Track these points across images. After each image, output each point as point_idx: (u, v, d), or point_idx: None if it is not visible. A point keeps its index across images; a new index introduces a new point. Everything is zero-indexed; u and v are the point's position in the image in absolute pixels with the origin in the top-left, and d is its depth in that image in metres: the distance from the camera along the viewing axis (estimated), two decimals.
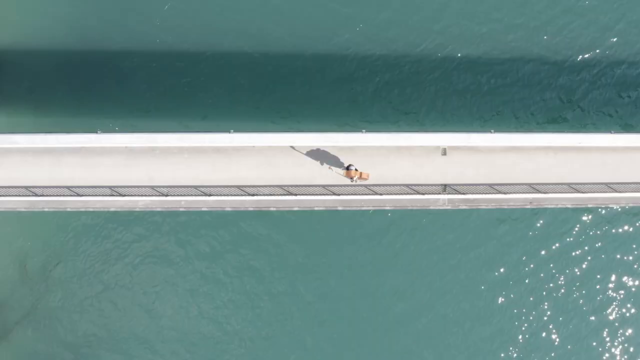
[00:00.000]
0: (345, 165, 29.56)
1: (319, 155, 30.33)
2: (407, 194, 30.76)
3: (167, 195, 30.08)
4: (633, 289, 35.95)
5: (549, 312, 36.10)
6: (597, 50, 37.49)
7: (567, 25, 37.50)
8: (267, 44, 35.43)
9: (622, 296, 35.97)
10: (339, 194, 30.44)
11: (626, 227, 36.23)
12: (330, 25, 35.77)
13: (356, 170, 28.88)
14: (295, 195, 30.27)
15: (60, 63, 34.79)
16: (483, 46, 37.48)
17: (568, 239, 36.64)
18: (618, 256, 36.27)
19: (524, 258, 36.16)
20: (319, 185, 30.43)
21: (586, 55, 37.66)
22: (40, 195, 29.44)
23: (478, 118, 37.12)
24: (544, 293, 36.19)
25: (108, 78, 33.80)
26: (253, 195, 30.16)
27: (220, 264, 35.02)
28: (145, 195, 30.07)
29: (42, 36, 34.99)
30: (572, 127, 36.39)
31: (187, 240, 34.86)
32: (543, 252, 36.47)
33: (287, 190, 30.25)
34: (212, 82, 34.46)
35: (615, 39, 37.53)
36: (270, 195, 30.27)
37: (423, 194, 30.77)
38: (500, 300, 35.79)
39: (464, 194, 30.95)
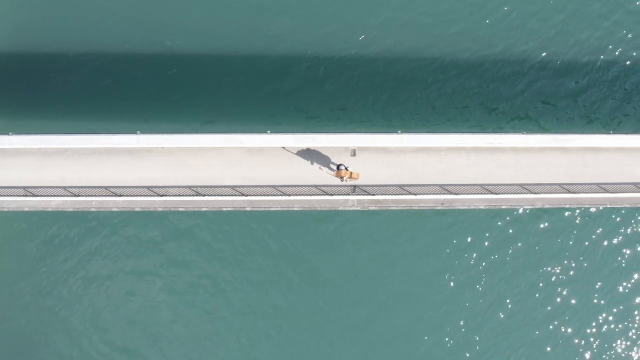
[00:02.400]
0: (336, 165, 29.74)
1: (228, 155, 30.64)
2: (316, 195, 30.91)
3: (78, 196, 30.71)
4: (549, 288, 35.77)
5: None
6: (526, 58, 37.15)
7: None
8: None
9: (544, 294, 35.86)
10: (247, 195, 30.72)
11: (543, 226, 35.89)
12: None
13: (347, 170, 29.08)
14: (204, 196, 30.65)
15: None
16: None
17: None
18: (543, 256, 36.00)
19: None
20: (227, 187, 30.75)
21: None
22: None
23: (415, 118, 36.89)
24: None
25: (23, 80, 34.41)
26: (162, 196, 30.61)
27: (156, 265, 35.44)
28: (58, 196, 30.75)
29: None
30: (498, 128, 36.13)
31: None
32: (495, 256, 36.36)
33: (196, 191, 30.65)
34: (131, 83, 34.81)
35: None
36: (180, 196, 30.68)
37: (332, 195, 30.88)
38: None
39: (373, 195, 30.99)
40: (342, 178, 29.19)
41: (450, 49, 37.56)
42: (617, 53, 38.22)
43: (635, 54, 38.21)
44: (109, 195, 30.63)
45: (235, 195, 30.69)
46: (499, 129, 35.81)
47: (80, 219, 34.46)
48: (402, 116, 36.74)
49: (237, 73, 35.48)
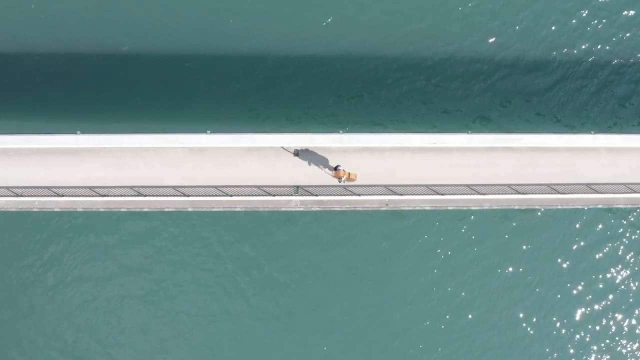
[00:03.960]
0: (333, 165, 29.56)
1: (169, 155, 30.40)
2: (259, 195, 30.57)
3: (21, 196, 30.62)
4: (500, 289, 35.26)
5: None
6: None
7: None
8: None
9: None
10: (188, 195, 30.45)
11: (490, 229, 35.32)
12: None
13: (344, 170, 28.81)
14: (145, 196, 30.42)
15: None
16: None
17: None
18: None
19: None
20: (169, 187, 30.50)
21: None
22: None
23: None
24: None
25: None
26: (104, 196, 30.43)
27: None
28: (1, 196, 30.68)
29: None
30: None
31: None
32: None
33: (137, 191, 30.43)
34: (74, 82, 34.70)
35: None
36: (121, 196, 30.48)
37: (274, 195, 30.53)
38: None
39: (316, 195, 30.59)
40: (339, 178, 28.91)
41: (409, 47, 37.04)
42: (579, 52, 37.63)
43: (599, 53, 37.55)
44: (51, 195, 30.47)
45: (177, 196, 30.41)
46: (456, 129, 35.27)
47: (22, 220, 34.35)
48: (360, 116, 36.31)
49: (180, 72, 35.16)
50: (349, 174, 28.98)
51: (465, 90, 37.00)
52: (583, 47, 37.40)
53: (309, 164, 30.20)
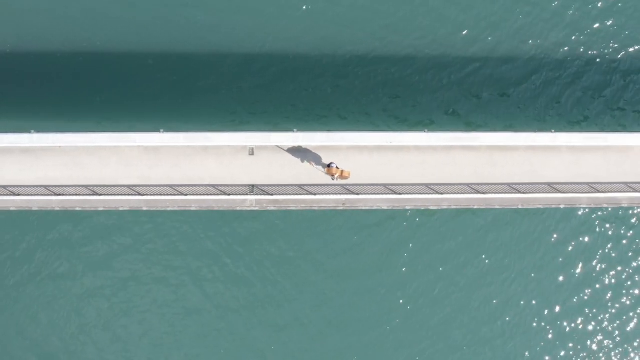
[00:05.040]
0: (327, 163, 29.14)
1: (124, 154, 30.24)
2: (214, 194, 30.34)
3: None
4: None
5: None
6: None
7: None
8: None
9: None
10: (143, 194, 30.27)
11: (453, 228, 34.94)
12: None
13: (337, 168, 28.57)
14: (100, 195, 30.27)
15: None
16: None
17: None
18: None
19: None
20: (124, 186, 30.34)
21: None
22: None
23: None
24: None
25: None
26: (59, 195, 30.31)
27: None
28: None
29: None
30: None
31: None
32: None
33: (92, 190, 30.29)
34: (17, 80, 34.56)
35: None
36: (76, 195, 30.34)
37: (229, 194, 30.28)
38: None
39: (271, 195, 30.30)
40: (332, 176, 28.66)
41: (379, 42, 36.64)
42: (551, 45, 37.18)
43: (571, 45, 37.16)
44: (7, 195, 30.38)
45: (132, 195, 30.23)
46: (424, 124, 34.94)
47: None
48: (326, 110, 35.99)
49: (136, 69, 34.96)
50: (342, 171, 28.69)
51: (436, 84, 36.53)
52: (555, 40, 36.92)
53: (302, 162, 29.91)
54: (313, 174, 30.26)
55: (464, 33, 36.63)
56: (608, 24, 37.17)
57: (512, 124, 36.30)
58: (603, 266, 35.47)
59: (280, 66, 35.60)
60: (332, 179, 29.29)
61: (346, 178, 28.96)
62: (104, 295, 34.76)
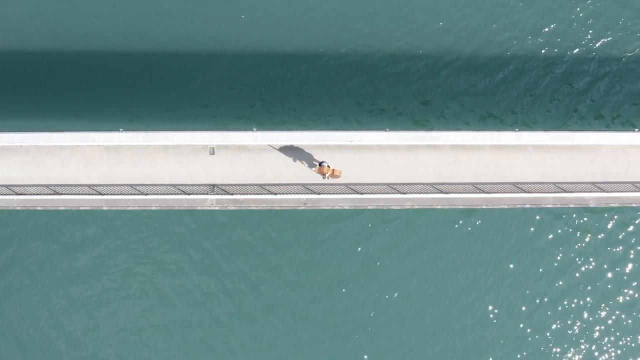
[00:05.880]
0: (318, 162, 29.07)
1: (85, 154, 30.12)
2: (174, 194, 30.14)
3: None
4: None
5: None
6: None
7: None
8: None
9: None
10: (104, 194, 30.12)
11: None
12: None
13: (329, 167, 28.44)
14: (61, 194, 30.16)
15: None
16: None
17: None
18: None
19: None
20: (84, 185, 30.22)
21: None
22: None
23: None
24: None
25: None
26: (20, 194, 30.24)
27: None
28: None
29: None
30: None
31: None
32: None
33: (53, 189, 30.19)
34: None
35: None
36: (37, 194, 30.25)
37: (189, 194, 30.08)
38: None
39: (232, 194, 30.06)
40: (324, 175, 28.50)
41: (346, 46, 36.45)
42: (519, 48, 36.98)
43: (552, 48, 36.79)
44: None
45: (92, 194, 30.10)
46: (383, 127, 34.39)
47: None
48: (286, 114, 35.73)
49: (102, 70, 34.88)
50: (334, 170, 28.47)
51: (405, 89, 36.25)
52: (523, 43, 36.70)
53: (294, 161, 29.67)
54: (277, 174, 30.00)
55: (433, 38, 36.41)
56: (575, 25, 37.08)
57: (484, 124, 35.90)
58: (576, 265, 35.12)
59: (245, 64, 35.44)
60: (324, 178, 28.98)
61: (337, 177, 28.69)
62: (64, 294, 34.50)
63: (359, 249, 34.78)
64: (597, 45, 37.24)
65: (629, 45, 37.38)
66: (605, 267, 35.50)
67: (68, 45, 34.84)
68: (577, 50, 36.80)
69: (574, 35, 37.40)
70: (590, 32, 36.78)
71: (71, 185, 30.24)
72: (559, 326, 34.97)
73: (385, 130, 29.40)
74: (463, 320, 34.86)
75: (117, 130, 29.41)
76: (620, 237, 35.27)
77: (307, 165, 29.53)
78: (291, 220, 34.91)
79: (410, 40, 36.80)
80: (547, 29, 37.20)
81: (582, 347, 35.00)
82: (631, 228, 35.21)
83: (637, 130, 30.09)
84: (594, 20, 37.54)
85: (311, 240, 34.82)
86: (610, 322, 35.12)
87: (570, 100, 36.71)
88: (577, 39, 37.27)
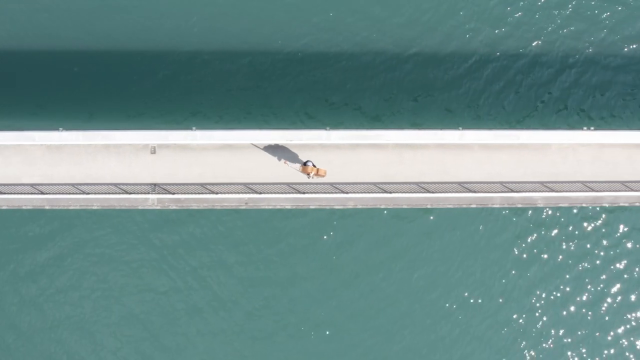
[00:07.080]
0: (303, 161, 28.76)
1: (27, 152, 29.99)
2: (115, 193, 29.97)
3: None
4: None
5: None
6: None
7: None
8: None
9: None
10: (45, 193, 30.02)
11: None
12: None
13: (313, 166, 28.24)
14: (3, 193, 30.11)
15: None
16: None
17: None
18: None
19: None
20: (26, 184, 30.11)
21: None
22: None
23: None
24: None
25: None
26: None
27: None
28: None
29: None
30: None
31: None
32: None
33: None
34: None
35: None
36: None
37: (130, 193, 29.89)
38: None
39: (173, 193, 29.83)
40: (308, 174, 28.18)
41: (305, 40, 35.86)
42: (488, 42, 36.29)
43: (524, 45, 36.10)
44: None
45: (34, 194, 30.02)
46: (337, 125, 34.10)
47: None
48: (246, 111, 35.35)
49: (48, 66, 34.62)
50: (318, 169, 28.13)
51: (364, 84, 35.74)
52: (485, 35, 35.76)
53: (279, 159, 29.19)
54: (217, 173, 29.69)
55: (398, 33, 35.81)
56: (535, 19, 36.28)
57: (443, 120, 35.30)
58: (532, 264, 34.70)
59: (199, 59, 35.02)
60: (308, 177, 28.62)
61: (322, 176, 28.25)
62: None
63: (314, 247, 34.53)
64: (562, 35, 36.38)
65: (594, 35, 36.44)
66: (570, 262, 35.13)
67: (10, 43, 34.59)
68: (540, 41, 35.93)
69: (537, 26, 36.57)
70: (556, 22, 35.88)
71: (12, 184, 30.15)
72: (523, 322, 34.65)
73: (326, 129, 28.91)
74: (426, 318, 34.61)
75: (56, 129, 29.19)
76: (577, 233, 34.86)
77: (287, 162, 28.72)
78: (247, 219, 34.72)
79: (369, 33, 36.12)
80: (510, 18, 36.35)
81: (544, 345, 34.76)
82: (591, 226, 34.86)
83: (585, 128, 29.36)
84: (559, 11, 36.68)
85: (264, 239, 34.62)
86: (574, 317, 34.86)
87: (533, 93, 35.99)
88: (541, 30, 36.44)
